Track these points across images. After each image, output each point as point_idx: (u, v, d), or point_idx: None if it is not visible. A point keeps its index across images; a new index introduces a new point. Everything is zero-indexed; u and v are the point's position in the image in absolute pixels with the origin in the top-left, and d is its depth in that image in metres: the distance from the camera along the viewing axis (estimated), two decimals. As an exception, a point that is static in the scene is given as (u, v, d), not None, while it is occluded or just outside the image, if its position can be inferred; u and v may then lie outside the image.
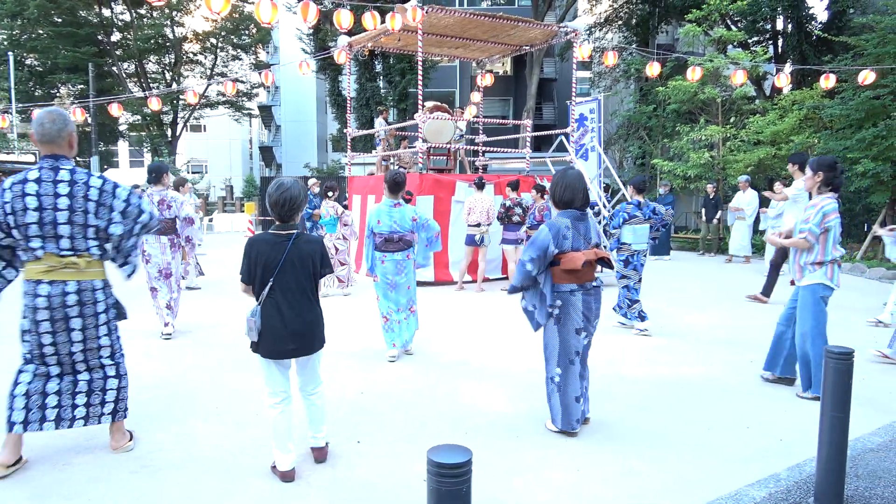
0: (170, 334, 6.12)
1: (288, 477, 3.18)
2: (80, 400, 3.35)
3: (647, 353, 5.77)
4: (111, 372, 3.43)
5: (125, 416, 3.54)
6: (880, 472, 3.35)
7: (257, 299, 3.14)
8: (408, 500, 3.02)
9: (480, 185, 9.13)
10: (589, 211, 3.84)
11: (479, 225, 9.01)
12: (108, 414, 3.43)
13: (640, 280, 6.68)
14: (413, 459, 3.44)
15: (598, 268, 3.97)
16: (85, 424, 3.41)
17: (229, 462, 3.41)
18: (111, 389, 3.43)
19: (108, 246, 3.31)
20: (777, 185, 10.00)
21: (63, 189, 3.11)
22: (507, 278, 9.83)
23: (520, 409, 4.25)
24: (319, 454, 3.40)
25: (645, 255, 6.68)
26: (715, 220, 14.38)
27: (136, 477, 3.22)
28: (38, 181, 3.09)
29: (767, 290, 8.40)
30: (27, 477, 3.20)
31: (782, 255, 8.10)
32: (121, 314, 3.49)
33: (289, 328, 3.10)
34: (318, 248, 3.22)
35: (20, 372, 3.26)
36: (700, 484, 3.21)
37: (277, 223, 3.17)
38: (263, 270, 3.09)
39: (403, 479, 3.22)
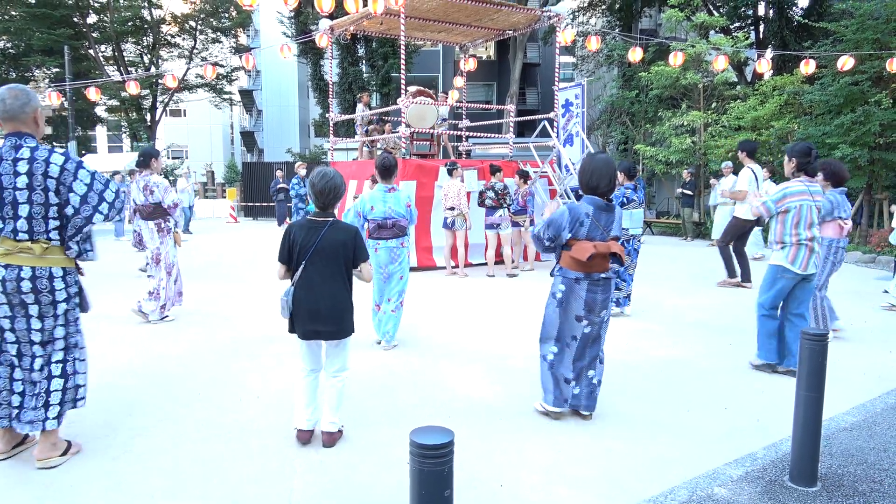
0: (146, 315, 6.10)
1: (303, 437, 3.40)
2: (16, 400, 3.12)
3: (627, 336, 5.83)
4: (56, 371, 3.13)
5: (59, 424, 3.18)
6: (853, 451, 3.43)
7: (292, 281, 3.31)
8: (390, 481, 3.04)
9: (450, 171, 9.21)
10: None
11: (452, 209, 9.10)
12: (54, 419, 3.11)
13: (634, 266, 6.69)
14: (395, 443, 3.45)
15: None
16: (20, 427, 3.12)
17: (213, 446, 3.40)
18: (55, 391, 3.12)
19: (69, 229, 3.09)
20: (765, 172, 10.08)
21: (22, 167, 2.97)
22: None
23: (500, 393, 4.28)
24: (329, 439, 3.39)
25: (639, 241, 6.72)
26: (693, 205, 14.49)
27: (118, 462, 3.20)
28: None
29: (746, 275, 8.50)
30: (3, 464, 3.16)
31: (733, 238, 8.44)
32: (83, 306, 3.29)
33: (315, 311, 3.25)
34: (353, 235, 3.33)
35: None
36: (678, 463, 3.26)
37: (317, 210, 3.34)
38: (298, 253, 3.26)
39: (386, 462, 3.24)
